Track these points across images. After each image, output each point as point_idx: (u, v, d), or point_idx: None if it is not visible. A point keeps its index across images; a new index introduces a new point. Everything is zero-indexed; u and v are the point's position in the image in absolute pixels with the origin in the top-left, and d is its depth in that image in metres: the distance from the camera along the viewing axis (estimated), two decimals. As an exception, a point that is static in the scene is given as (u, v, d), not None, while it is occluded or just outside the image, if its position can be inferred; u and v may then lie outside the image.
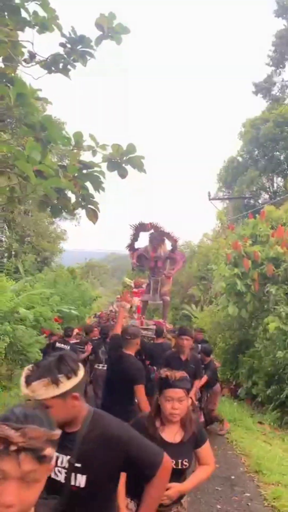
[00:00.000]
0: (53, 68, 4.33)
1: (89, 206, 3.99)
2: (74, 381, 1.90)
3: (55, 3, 3.96)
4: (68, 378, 1.87)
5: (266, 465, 6.14)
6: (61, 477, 1.92)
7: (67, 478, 1.91)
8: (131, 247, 11.01)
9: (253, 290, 11.53)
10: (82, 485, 1.88)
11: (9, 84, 3.79)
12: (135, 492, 2.56)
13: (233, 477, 5.87)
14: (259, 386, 10.85)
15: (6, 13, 4.16)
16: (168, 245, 10.76)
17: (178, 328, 7.68)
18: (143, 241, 10.91)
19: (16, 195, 4.24)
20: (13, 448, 1.24)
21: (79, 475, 1.89)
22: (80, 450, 1.90)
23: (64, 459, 1.93)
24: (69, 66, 4.30)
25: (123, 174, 3.98)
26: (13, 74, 4.42)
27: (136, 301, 10.43)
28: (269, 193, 28.97)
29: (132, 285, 11.30)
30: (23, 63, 4.36)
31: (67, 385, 1.87)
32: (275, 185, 29.22)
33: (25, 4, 4.05)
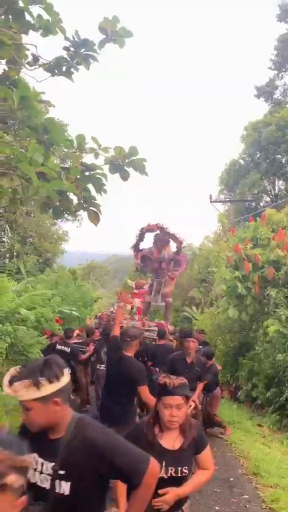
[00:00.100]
0: (56, 71, 4.37)
1: (91, 208, 4.03)
2: (56, 386, 1.90)
3: (58, 7, 4.00)
4: (50, 382, 1.88)
5: (264, 467, 6.16)
6: (46, 484, 1.91)
7: (52, 485, 1.90)
8: (135, 247, 11.01)
9: (253, 293, 11.56)
10: (67, 492, 1.88)
11: (12, 87, 3.83)
12: None
13: (231, 479, 5.89)
14: (258, 388, 10.86)
15: (10, 16, 4.20)
16: (172, 246, 10.77)
17: (184, 330, 7.68)
18: (148, 242, 10.93)
19: (19, 197, 4.28)
20: None
21: (63, 482, 1.88)
22: (64, 457, 1.89)
23: (49, 466, 1.92)
24: (72, 69, 4.34)
25: (125, 177, 4.01)
26: (16, 77, 4.47)
27: (137, 302, 10.44)
28: (271, 196, 28.96)
29: (133, 286, 11.31)
30: (27, 66, 4.40)
31: (48, 388, 1.87)
32: (276, 188, 29.22)
33: (29, 7, 4.08)
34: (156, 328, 9.42)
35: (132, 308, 10.34)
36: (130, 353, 4.91)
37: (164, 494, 2.54)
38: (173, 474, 2.56)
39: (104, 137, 4.38)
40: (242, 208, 27.08)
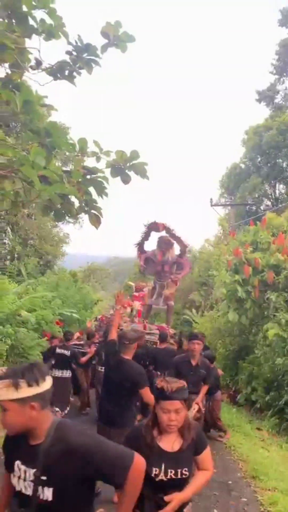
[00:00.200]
0: (58, 75, 4.40)
1: (92, 211, 4.05)
2: (35, 390, 1.91)
3: (61, 12, 4.03)
4: (29, 385, 1.89)
5: (263, 470, 6.18)
6: (29, 491, 1.92)
7: (34, 492, 1.89)
8: (140, 246, 11.02)
9: (253, 297, 11.59)
10: (50, 498, 1.88)
11: (15, 90, 3.86)
12: (137, 502, 2.60)
13: (230, 482, 5.90)
14: (258, 392, 10.88)
15: (14, 20, 4.24)
16: (176, 249, 10.80)
17: (191, 333, 7.65)
18: (152, 242, 10.95)
19: (20, 199, 4.30)
20: None
21: (45, 488, 1.88)
22: (45, 463, 1.89)
23: (31, 473, 1.92)
24: (74, 73, 4.37)
25: (126, 180, 4.03)
26: (19, 80, 4.50)
27: (137, 305, 10.46)
28: (271, 200, 29.02)
29: (133, 287, 11.34)
30: (30, 70, 4.43)
31: (26, 391, 1.88)
32: (277, 192, 29.30)
33: (33, 12, 4.11)
34: (157, 331, 9.43)
35: (132, 310, 10.37)
36: (128, 356, 4.93)
37: (168, 502, 2.52)
38: (173, 476, 2.55)
39: (105, 141, 4.39)
40: (243, 212, 27.15)
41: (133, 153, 3.93)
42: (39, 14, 4.12)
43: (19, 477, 1.95)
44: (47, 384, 1.98)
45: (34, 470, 1.90)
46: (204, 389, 6.37)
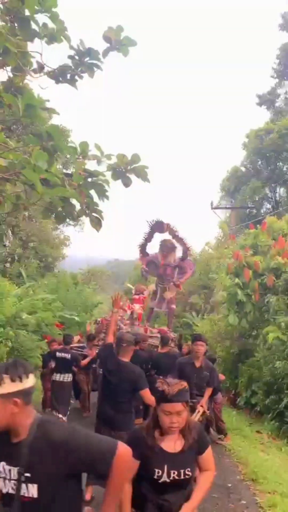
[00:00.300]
0: (60, 79, 4.43)
1: (93, 214, 4.07)
2: (17, 386, 1.91)
3: (64, 16, 4.06)
4: (12, 380, 1.90)
5: (262, 473, 6.20)
6: (14, 490, 1.91)
7: (17, 490, 1.89)
8: (142, 248, 11.03)
9: (253, 300, 11.61)
10: (35, 495, 1.87)
11: (17, 94, 3.89)
12: (140, 504, 2.57)
13: (229, 484, 5.91)
14: (258, 395, 10.88)
15: (16, 25, 4.27)
16: (178, 252, 10.82)
17: (192, 334, 7.61)
18: (154, 244, 10.97)
19: (22, 202, 4.32)
20: None
21: (30, 485, 1.87)
22: (28, 459, 1.88)
23: (15, 471, 1.91)
24: (76, 77, 4.40)
25: (127, 183, 4.06)
26: (21, 84, 4.53)
27: (137, 308, 10.45)
28: (272, 204, 29.04)
29: (133, 289, 11.33)
30: (32, 73, 4.46)
31: (9, 387, 1.89)
32: (277, 195, 29.29)
33: (35, 16, 4.14)
34: (158, 335, 9.41)
35: (132, 313, 10.36)
36: (126, 358, 4.96)
37: (172, 502, 2.53)
38: (176, 477, 2.52)
39: (106, 143, 4.43)
40: (243, 215, 27.15)
41: (134, 156, 3.95)
42: (42, 18, 4.15)
43: (4, 478, 1.94)
44: (30, 381, 1.98)
45: (17, 468, 1.89)
46: (208, 391, 6.33)
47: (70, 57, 4.17)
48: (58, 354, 8.41)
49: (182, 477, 2.54)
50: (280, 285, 11.16)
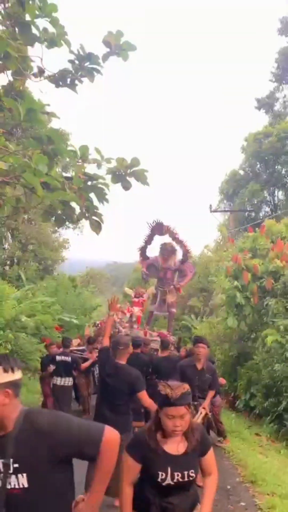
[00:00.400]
0: (60, 83, 4.46)
1: (93, 217, 4.09)
2: (10, 376, 1.93)
3: (64, 21, 4.09)
4: (5, 371, 1.92)
5: (261, 475, 6.20)
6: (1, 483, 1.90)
7: (3, 482, 1.87)
8: (142, 251, 11.03)
9: (252, 303, 11.64)
10: (26, 484, 1.87)
11: (17, 97, 3.92)
12: (143, 507, 2.55)
13: (229, 486, 5.93)
14: (257, 398, 10.90)
15: (17, 29, 4.30)
16: (178, 254, 10.84)
17: (193, 337, 7.59)
18: (154, 246, 10.98)
19: (21, 205, 4.35)
20: None
21: (19, 476, 1.87)
22: (15, 450, 1.88)
23: (0, 464, 1.89)
24: (76, 81, 4.43)
25: (126, 187, 4.09)
26: (21, 88, 4.56)
27: (136, 310, 10.47)
28: (270, 207, 29.10)
29: (132, 294, 11.35)
30: (32, 78, 4.50)
31: (2, 377, 1.91)
32: (276, 198, 29.37)
33: (36, 20, 4.17)
34: (158, 338, 9.42)
35: (131, 316, 10.38)
36: (123, 361, 5.00)
37: (175, 504, 2.51)
38: (180, 480, 2.49)
39: (106, 147, 4.44)
40: (242, 218, 27.21)
41: (133, 160, 3.98)
42: (42, 23, 4.19)
43: None
44: (19, 373, 2.01)
45: (2, 460, 1.88)
46: (211, 394, 6.32)
47: (70, 61, 4.20)
48: (58, 357, 8.39)
49: (186, 479, 2.52)
50: (279, 288, 11.18)
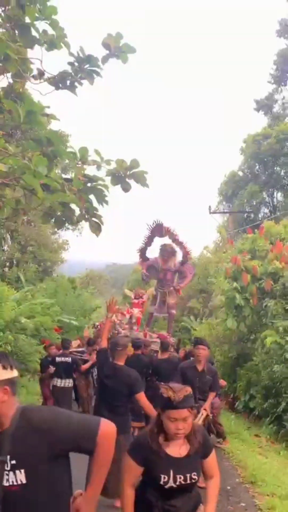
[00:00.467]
0: (60, 85, 4.48)
1: (92, 219, 4.10)
2: (8, 373, 1.96)
3: (63, 23, 4.10)
4: (4, 367, 1.95)
5: (261, 476, 6.22)
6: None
7: (0, 479, 1.88)
8: (142, 253, 11.02)
9: (251, 304, 11.64)
10: (24, 480, 1.87)
11: (17, 99, 3.93)
12: (145, 510, 2.54)
13: (229, 487, 5.94)
14: (256, 399, 10.89)
15: (17, 31, 4.32)
16: (178, 256, 10.84)
17: (193, 339, 7.57)
18: (154, 248, 10.98)
19: (21, 207, 4.36)
20: None
21: (17, 472, 1.87)
22: (12, 447, 1.89)
23: None
24: (76, 83, 4.45)
25: (126, 188, 4.10)
26: (21, 90, 4.58)
27: (136, 312, 10.47)
28: (269, 208, 29.14)
29: (132, 296, 11.36)
30: (32, 80, 4.51)
31: (1, 374, 1.93)
32: (275, 200, 29.40)
33: (35, 23, 4.19)
34: (158, 340, 9.41)
35: (131, 317, 10.38)
36: (121, 362, 5.03)
37: (178, 506, 2.52)
38: (182, 482, 2.49)
39: (105, 149, 4.45)
40: (241, 220, 27.24)
41: (133, 162, 3.99)
42: (41, 25, 4.20)
43: None
44: (16, 372, 2.03)
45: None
46: (212, 396, 6.33)
47: (70, 63, 4.22)
48: (58, 359, 8.39)
49: (188, 481, 2.52)
50: (278, 290, 11.19)
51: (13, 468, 1.87)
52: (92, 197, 4.03)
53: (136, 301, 10.75)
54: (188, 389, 2.55)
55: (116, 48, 4.23)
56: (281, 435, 9.22)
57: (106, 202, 4.08)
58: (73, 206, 3.97)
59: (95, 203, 4.05)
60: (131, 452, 2.61)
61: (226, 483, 6.06)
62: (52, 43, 4.25)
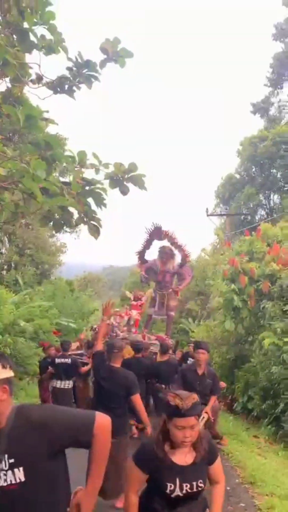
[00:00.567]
0: (58, 90, 4.52)
1: (91, 222, 4.13)
2: (7, 373, 1.99)
3: (61, 28, 4.14)
4: (3, 367, 1.98)
5: (260, 477, 6.24)
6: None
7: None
8: (141, 255, 11.05)
9: (249, 306, 11.67)
10: (23, 478, 1.88)
11: (16, 104, 3.97)
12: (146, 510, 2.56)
13: (228, 488, 5.94)
14: (254, 400, 10.91)
15: (15, 36, 4.36)
16: (177, 258, 10.87)
17: (194, 342, 7.57)
18: (152, 250, 11.01)
19: (20, 210, 4.39)
20: None
21: (16, 470, 1.88)
22: (9, 445, 1.89)
23: None
24: (74, 88, 4.49)
25: (124, 191, 4.13)
26: (19, 94, 4.62)
27: (134, 314, 10.49)
28: (266, 210, 29.22)
29: (131, 297, 11.38)
30: (30, 84, 4.55)
31: (1, 373, 1.96)
32: (271, 202, 29.49)
33: (33, 28, 4.23)
34: (157, 342, 9.43)
35: (129, 319, 10.40)
36: (118, 364, 5.06)
37: None
38: (189, 491, 2.45)
39: (103, 152, 4.49)
40: (238, 222, 27.31)
41: (131, 165, 4.03)
42: (40, 30, 4.24)
43: None
44: (12, 372, 2.06)
45: None
46: (213, 399, 6.35)
47: (68, 68, 4.26)
48: (57, 360, 8.39)
49: (194, 489, 2.48)
50: (276, 291, 11.22)
51: (12, 467, 1.88)
52: (90, 200, 4.06)
53: (134, 303, 10.78)
54: (195, 397, 2.52)
55: (114, 53, 4.26)
56: (279, 436, 9.24)
57: (105, 205, 4.10)
58: (71, 209, 4.00)
59: (93, 206, 4.08)
60: (136, 460, 2.58)
61: (226, 484, 6.04)
62: (50, 48, 4.29)
